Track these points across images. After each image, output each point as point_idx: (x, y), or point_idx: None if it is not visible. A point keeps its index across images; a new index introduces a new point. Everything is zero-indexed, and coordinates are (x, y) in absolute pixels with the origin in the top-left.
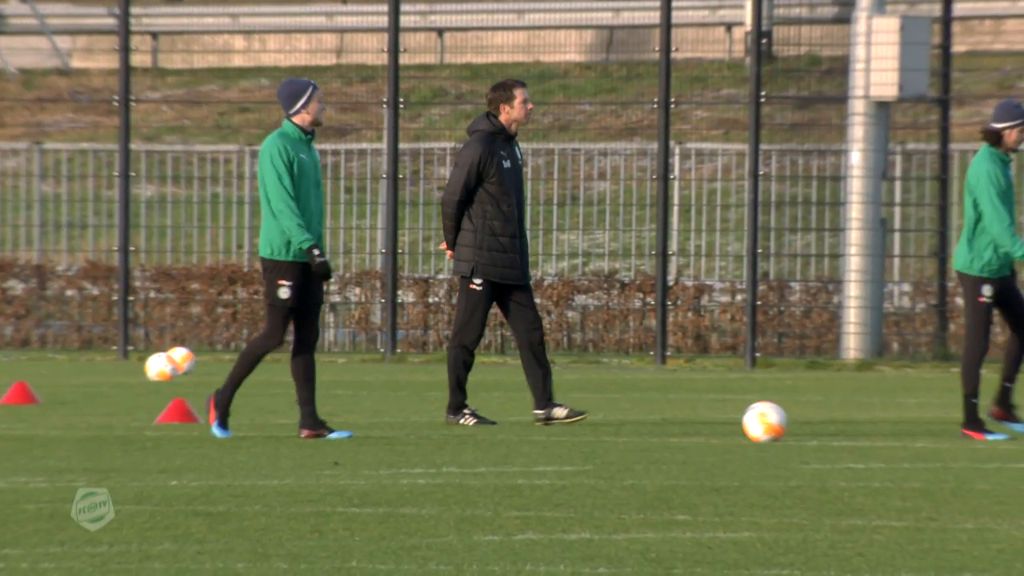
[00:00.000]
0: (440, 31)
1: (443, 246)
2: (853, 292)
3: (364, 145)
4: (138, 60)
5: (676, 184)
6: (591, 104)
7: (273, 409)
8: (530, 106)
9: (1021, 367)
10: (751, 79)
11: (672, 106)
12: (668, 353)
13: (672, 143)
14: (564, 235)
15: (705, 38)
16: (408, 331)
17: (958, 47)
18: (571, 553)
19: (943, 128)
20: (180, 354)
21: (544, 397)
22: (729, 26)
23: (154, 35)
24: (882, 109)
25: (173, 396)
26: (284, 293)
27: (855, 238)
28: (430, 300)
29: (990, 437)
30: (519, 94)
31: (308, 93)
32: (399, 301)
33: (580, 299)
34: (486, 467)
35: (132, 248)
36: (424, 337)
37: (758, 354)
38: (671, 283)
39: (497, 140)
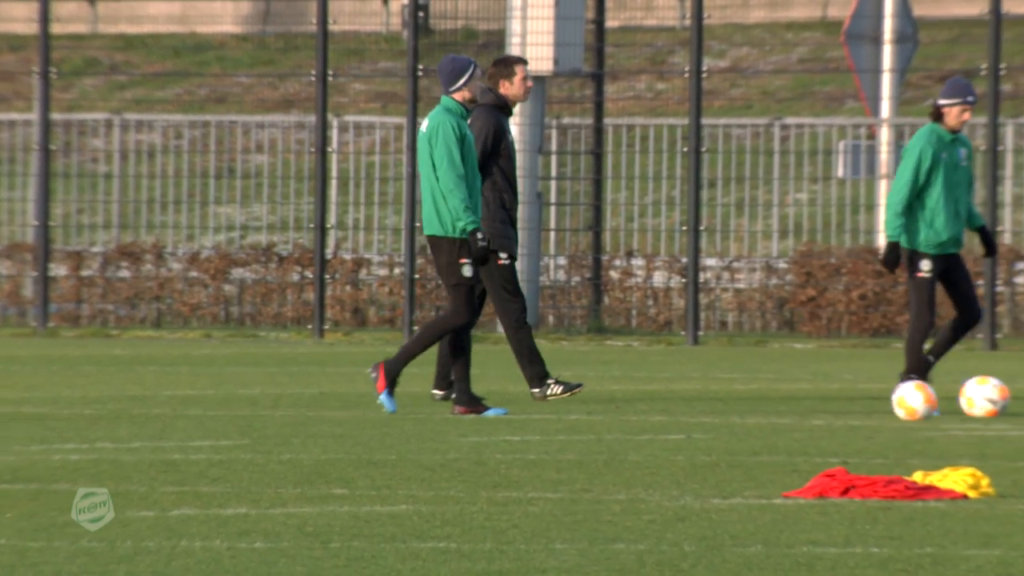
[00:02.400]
0: (92, 0)
1: None
2: None
3: (14, 115)
4: None
5: (334, 157)
6: (248, 76)
7: None
8: (529, 83)
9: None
10: (408, 52)
11: (330, 79)
12: (326, 327)
13: (330, 116)
14: (221, 208)
15: (362, 10)
16: (61, 305)
17: (611, 22)
18: (227, 528)
19: (597, 103)
20: None
21: (446, 379)
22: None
23: None
24: (538, 83)
25: None
26: (468, 271)
27: None
28: (83, 273)
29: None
30: (519, 71)
31: (470, 71)
32: (51, 274)
33: (237, 272)
34: (141, 442)
35: None
36: (77, 311)
37: (416, 327)
38: (329, 256)
39: (503, 114)
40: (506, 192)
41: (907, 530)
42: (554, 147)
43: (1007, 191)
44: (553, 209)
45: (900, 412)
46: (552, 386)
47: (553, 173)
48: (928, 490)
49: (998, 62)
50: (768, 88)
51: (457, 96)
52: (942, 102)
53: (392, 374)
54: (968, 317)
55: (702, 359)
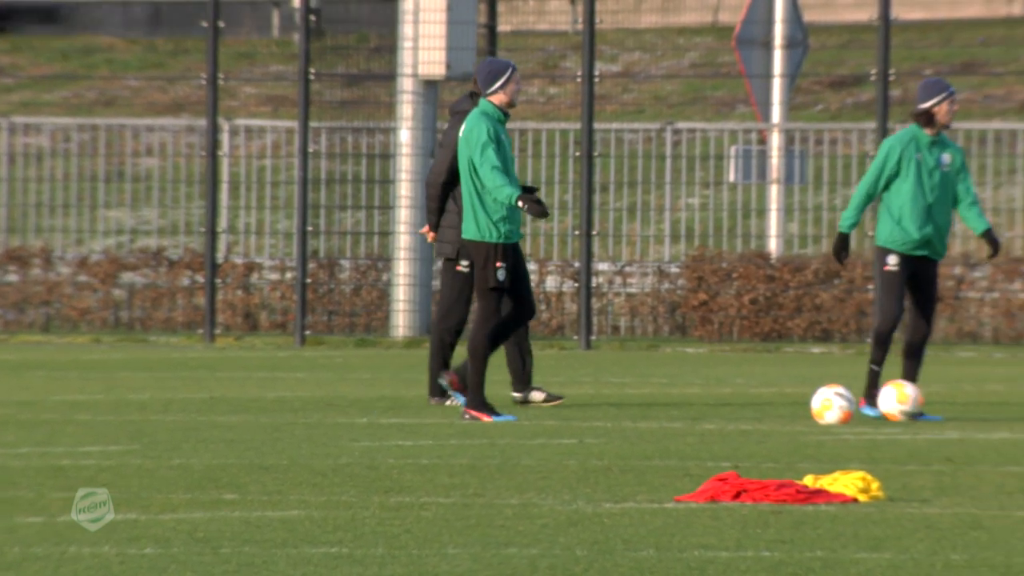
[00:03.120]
0: None
1: (425, 229)
2: (402, 270)
3: None
4: None
5: (225, 161)
6: (137, 79)
7: None
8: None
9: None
10: (300, 56)
11: (220, 82)
12: (217, 331)
13: (221, 119)
14: (111, 212)
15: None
16: None
17: (503, 26)
18: (117, 534)
19: None
20: None
21: (523, 379)
22: (277, 3)
23: None
24: (430, 87)
25: None
26: (502, 275)
27: (404, 216)
28: None
29: (868, 412)
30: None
31: (507, 74)
32: None
33: (127, 276)
34: (29, 447)
35: None
36: None
37: (308, 332)
38: (220, 261)
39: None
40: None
41: (798, 534)
42: None
43: None
44: None
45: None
46: (453, 400)
47: None
48: (819, 494)
49: (887, 67)
50: (660, 93)
51: (494, 99)
52: (926, 105)
53: (479, 406)
54: (914, 330)
55: (594, 363)
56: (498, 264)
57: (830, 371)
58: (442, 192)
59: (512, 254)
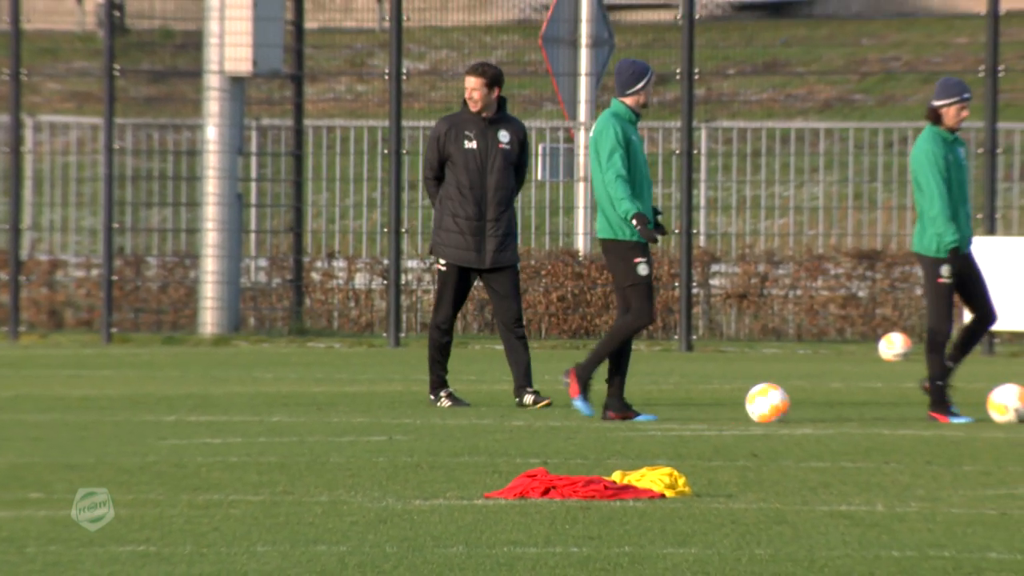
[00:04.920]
0: None
1: None
2: (210, 267)
3: None
4: None
5: (29, 157)
6: None
7: None
8: (477, 95)
9: (969, 351)
10: (104, 52)
11: (23, 78)
12: (22, 329)
13: (24, 115)
14: None
15: (56, 9)
16: None
17: (310, 24)
18: None
19: (297, 104)
20: None
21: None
22: None
23: None
24: (237, 84)
25: None
26: (643, 269)
27: (212, 213)
28: None
29: (955, 420)
30: (468, 81)
31: (648, 77)
32: None
33: None
34: None
35: None
36: None
37: (114, 329)
38: (24, 258)
39: (467, 121)
40: (453, 200)
41: (606, 529)
42: (254, 148)
43: (701, 194)
44: (254, 211)
45: (994, 415)
46: (444, 398)
47: (253, 175)
48: (626, 490)
49: (692, 67)
50: None
51: (629, 100)
52: (938, 103)
53: (583, 379)
54: (984, 316)
55: (404, 361)
56: (636, 260)
57: (636, 368)
58: (433, 189)
59: (644, 252)
